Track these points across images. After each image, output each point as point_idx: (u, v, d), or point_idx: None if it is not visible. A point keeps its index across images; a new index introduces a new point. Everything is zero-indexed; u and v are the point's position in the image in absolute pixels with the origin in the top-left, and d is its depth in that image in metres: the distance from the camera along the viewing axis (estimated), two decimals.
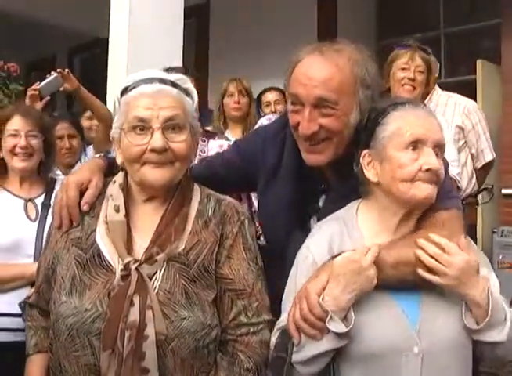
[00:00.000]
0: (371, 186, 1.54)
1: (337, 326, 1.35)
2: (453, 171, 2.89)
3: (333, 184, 1.68)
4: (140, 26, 3.50)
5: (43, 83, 3.21)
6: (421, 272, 1.41)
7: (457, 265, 1.38)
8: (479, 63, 5.33)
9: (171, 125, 1.49)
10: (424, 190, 1.45)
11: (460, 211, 1.57)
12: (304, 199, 1.70)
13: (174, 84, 1.53)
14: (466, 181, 3.37)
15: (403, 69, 3.15)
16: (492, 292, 1.42)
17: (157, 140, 1.46)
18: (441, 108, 3.41)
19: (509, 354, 1.49)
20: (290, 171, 1.71)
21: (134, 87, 1.52)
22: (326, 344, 1.37)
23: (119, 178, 1.59)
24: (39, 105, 3.19)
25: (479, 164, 3.51)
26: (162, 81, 1.52)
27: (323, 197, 1.71)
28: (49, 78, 3.25)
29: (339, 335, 1.36)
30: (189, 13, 3.94)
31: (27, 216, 2.32)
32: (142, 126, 1.48)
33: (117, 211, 1.51)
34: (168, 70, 3.03)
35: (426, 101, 3.34)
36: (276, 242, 1.63)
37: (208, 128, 3.36)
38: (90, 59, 8.30)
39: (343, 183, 1.63)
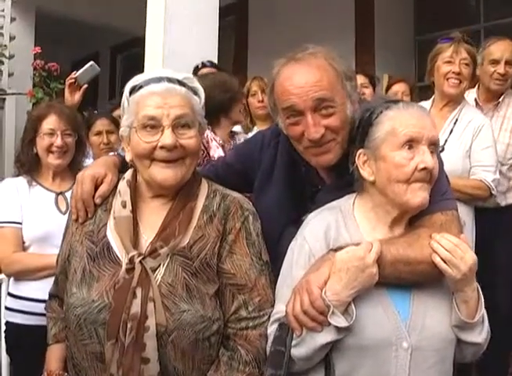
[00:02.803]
0: (366, 184, 1.54)
1: (338, 320, 1.36)
2: (488, 177, 2.80)
3: (328, 181, 1.71)
4: (175, 25, 3.52)
5: (79, 72, 3.33)
6: (436, 260, 1.41)
7: (468, 261, 1.40)
8: None
9: (180, 123, 1.52)
10: (419, 196, 1.45)
11: (456, 212, 1.56)
12: (299, 200, 1.73)
13: (181, 84, 1.56)
14: None
15: (448, 62, 2.97)
16: (480, 292, 1.43)
17: (168, 137, 1.49)
18: None
19: (471, 356, 1.52)
20: (284, 174, 1.75)
21: (142, 86, 1.55)
22: (325, 336, 1.38)
23: (128, 175, 1.63)
24: (78, 94, 3.32)
25: None
26: (170, 80, 1.55)
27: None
28: (85, 66, 3.37)
29: (339, 328, 1.37)
30: (227, 11, 3.93)
31: (58, 209, 2.46)
32: (152, 124, 1.51)
33: (124, 206, 1.55)
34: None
35: (500, 100, 3.18)
36: (271, 240, 1.65)
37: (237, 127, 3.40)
38: (131, 57, 8.44)
39: (338, 179, 1.65)
